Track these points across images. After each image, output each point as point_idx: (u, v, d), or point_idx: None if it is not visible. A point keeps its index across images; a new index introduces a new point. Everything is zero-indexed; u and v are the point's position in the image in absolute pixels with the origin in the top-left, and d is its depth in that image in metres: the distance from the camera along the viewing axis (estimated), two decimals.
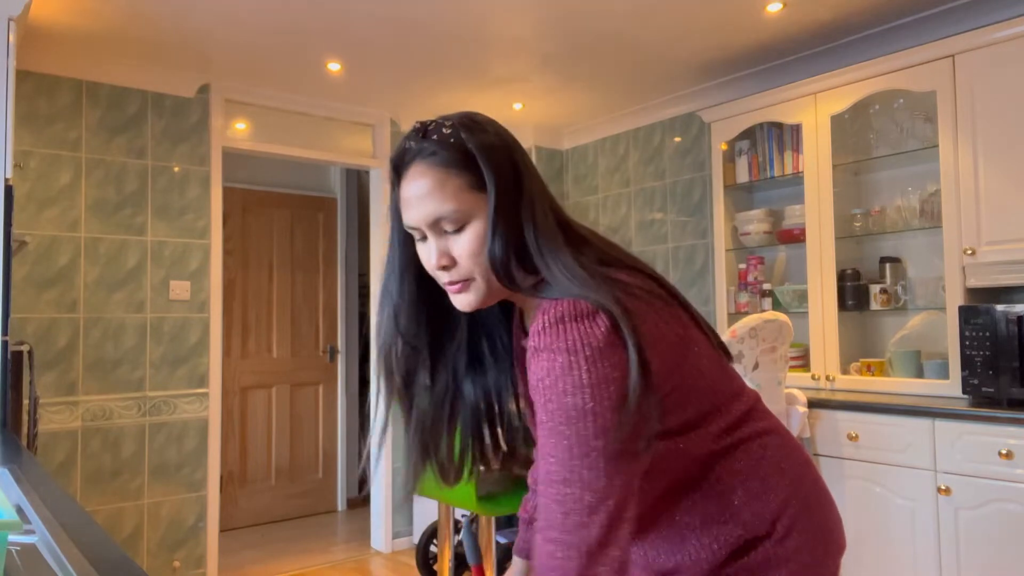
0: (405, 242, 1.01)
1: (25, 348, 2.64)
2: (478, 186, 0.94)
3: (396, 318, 1.01)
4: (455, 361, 1.06)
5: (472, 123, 0.96)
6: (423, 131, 0.96)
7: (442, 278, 0.96)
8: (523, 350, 1.03)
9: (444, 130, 0.95)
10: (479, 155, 0.94)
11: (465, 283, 0.95)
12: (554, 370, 0.85)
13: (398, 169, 0.97)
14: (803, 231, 3.27)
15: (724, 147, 3.60)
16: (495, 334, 1.10)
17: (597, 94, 4.03)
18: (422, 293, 1.02)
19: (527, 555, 1.21)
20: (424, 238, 0.96)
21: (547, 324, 0.87)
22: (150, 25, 3.05)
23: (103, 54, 3.37)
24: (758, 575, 0.97)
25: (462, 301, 0.97)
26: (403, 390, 1.03)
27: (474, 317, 1.08)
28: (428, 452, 1.04)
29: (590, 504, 0.82)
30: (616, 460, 0.83)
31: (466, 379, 1.07)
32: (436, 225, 0.94)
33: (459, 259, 0.94)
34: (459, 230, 0.94)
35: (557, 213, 0.99)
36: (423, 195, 0.93)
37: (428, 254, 0.96)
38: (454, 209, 0.93)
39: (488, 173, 0.94)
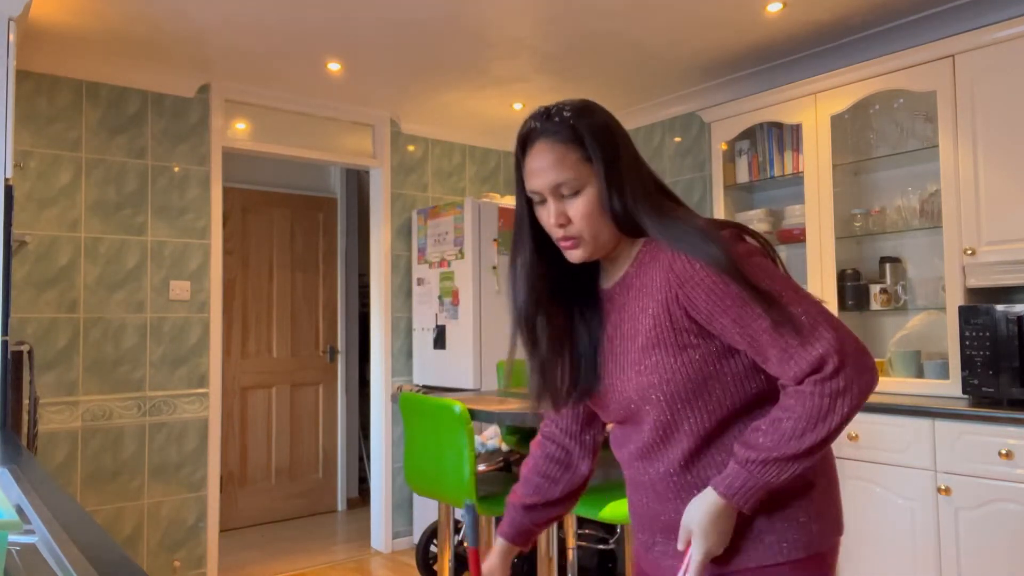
0: (530, 212, 1.22)
1: (25, 348, 2.64)
2: (587, 158, 1.14)
3: (527, 268, 1.22)
4: (567, 310, 1.26)
5: (585, 109, 1.17)
6: (547, 114, 1.17)
7: (558, 234, 1.17)
8: (608, 297, 1.24)
9: (565, 113, 1.16)
10: (586, 135, 1.15)
11: (576, 240, 1.16)
12: (718, 261, 1.07)
13: (524, 145, 1.18)
14: (803, 231, 3.27)
15: (724, 147, 3.60)
16: (589, 290, 1.29)
17: (597, 94, 4.03)
18: (543, 254, 1.23)
19: (511, 538, 1.38)
20: (543, 202, 1.17)
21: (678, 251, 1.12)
22: (150, 25, 3.05)
23: (103, 54, 3.37)
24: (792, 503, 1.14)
25: (574, 255, 1.17)
26: (530, 334, 1.23)
27: (575, 277, 1.26)
28: (546, 385, 1.25)
29: (816, 317, 1.06)
30: (806, 298, 1.09)
31: (574, 326, 1.26)
32: (556, 190, 1.15)
33: (574, 219, 1.15)
34: (575, 195, 1.15)
35: (656, 180, 1.21)
36: (547, 166, 1.15)
37: (548, 215, 1.16)
38: (572, 177, 1.14)
39: (593, 149, 1.14)
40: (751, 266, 1.07)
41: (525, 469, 1.40)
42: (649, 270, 1.16)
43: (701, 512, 1.09)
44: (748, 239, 1.14)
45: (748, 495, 1.06)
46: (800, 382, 1.05)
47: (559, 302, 1.25)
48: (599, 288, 1.27)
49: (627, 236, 1.19)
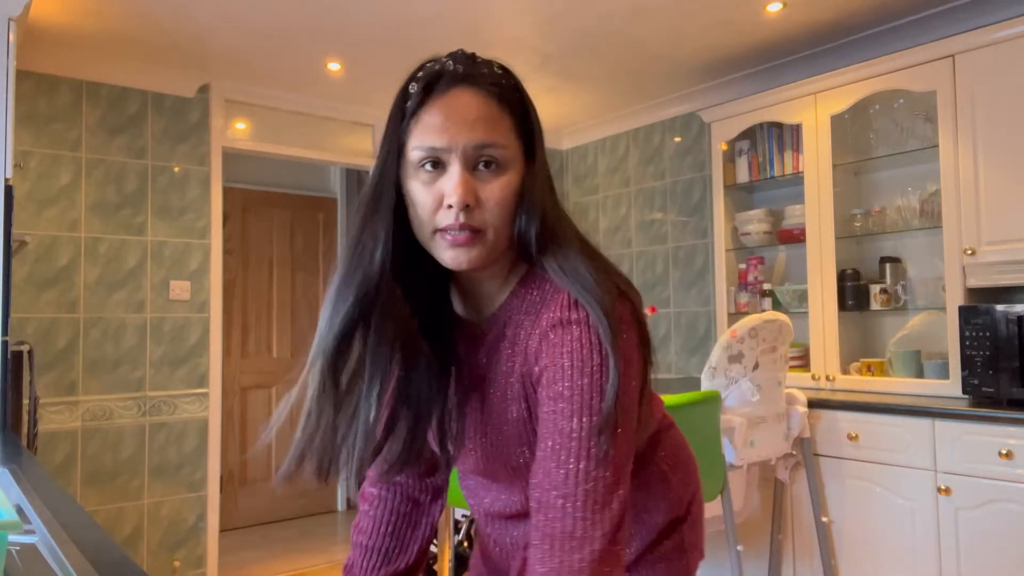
0: (396, 184, 0.86)
1: (25, 348, 2.64)
2: (521, 136, 0.87)
3: (378, 277, 0.84)
4: (411, 347, 0.91)
5: (515, 74, 0.90)
6: (472, 58, 0.87)
7: (451, 219, 0.82)
8: (473, 331, 0.94)
9: (496, 68, 0.88)
10: (530, 107, 0.89)
11: (477, 234, 0.83)
12: (582, 343, 0.80)
13: (430, 87, 0.85)
14: (803, 231, 3.27)
15: (724, 147, 3.60)
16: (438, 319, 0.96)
17: (597, 94, 4.03)
18: (400, 255, 0.87)
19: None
20: (436, 166, 0.84)
21: (574, 300, 0.83)
22: (150, 25, 3.05)
23: (103, 54, 3.37)
24: (671, 559, 1.03)
25: (461, 256, 0.84)
26: (352, 378, 0.87)
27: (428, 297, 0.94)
28: (410, 442, 0.94)
29: (611, 484, 0.78)
30: (630, 440, 0.82)
31: (414, 372, 0.92)
32: (474, 155, 0.83)
33: (486, 202, 0.83)
34: (494, 172, 0.84)
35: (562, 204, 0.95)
36: (473, 119, 0.83)
37: (450, 185, 0.82)
38: (502, 144, 0.84)
39: (537, 127, 0.88)
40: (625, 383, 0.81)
41: (361, 536, 1.07)
42: (531, 314, 0.89)
43: None
44: (638, 323, 0.87)
45: None
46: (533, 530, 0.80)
47: (421, 322, 0.91)
48: (454, 315, 0.97)
49: (511, 255, 0.90)
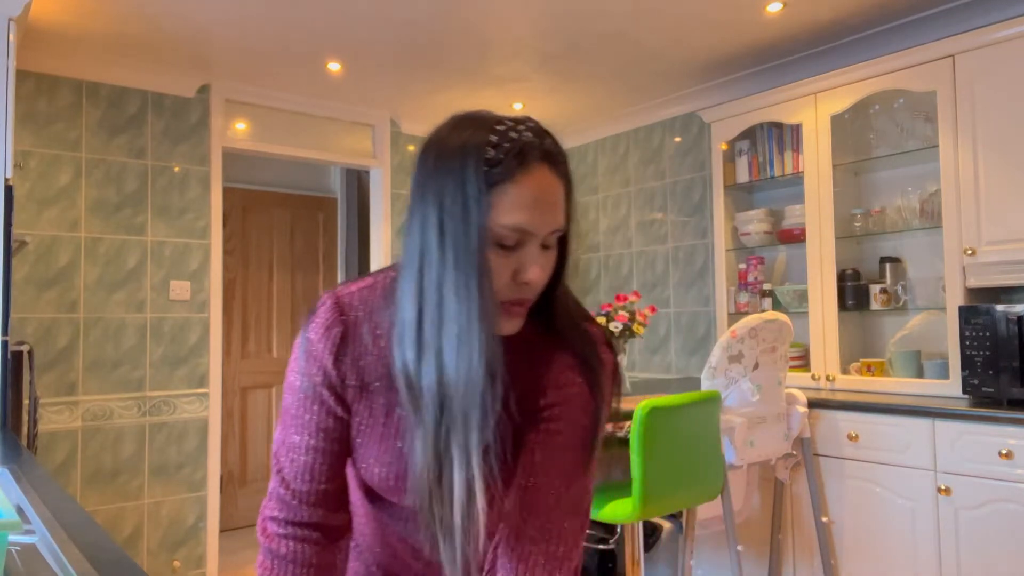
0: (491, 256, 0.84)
1: (25, 348, 2.64)
2: (567, 215, 0.90)
3: (489, 350, 0.83)
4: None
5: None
6: (546, 132, 0.87)
7: (520, 295, 0.86)
8: None
9: (559, 143, 0.88)
10: (573, 182, 0.90)
11: (527, 305, 0.88)
12: (611, 375, 0.96)
13: (523, 158, 0.83)
14: (803, 231, 3.27)
15: (724, 147, 3.60)
16: None
17: (597, 94, 4.03)
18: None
19: None
20: (516, 247, 0.84)
21: (612, 355, 0.96)
22: (150, 25, 3.05)
23: (103, 54, 3.37)
24: None
25: (515, 324, 0.88)
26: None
27: None
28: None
29: (588, 509, 0.95)
30: None
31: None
32: (549, 237, 0.85)
33: (542, 280, 0.86)
34: (551, 249, 0.88)
35: None
36: (556, 202, 0.85)
37: (533, 268, 0.84)
38: (565, 229, 0.87)
39: (572, 202, 0.89)
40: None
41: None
42: (522, 366, 0.93)
43: None
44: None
45: None
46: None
47: None
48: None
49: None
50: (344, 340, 0.92)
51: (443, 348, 0.83)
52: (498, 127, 0.84)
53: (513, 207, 0.82)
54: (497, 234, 0.83)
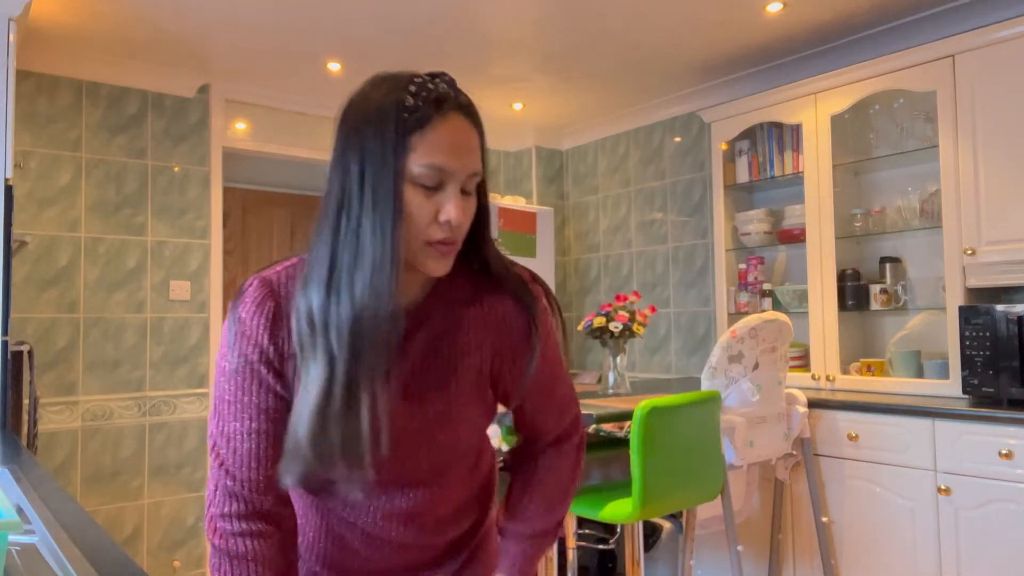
0: (406, 194, 0.89)
1: (25, 348, 2.64)
2: (483, 160, 0.97)
3: (393, 265, 0.88)
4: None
5: None
6: (454, 84, 0.93)
7: (443, 235, 0.91)
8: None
9: (464, 94, 0.94)
10: (483, 131, 0.96)
11: (454, 247, 0.93)
12: (549, 315, 1.08)
13: (439, 105, 0.89)
14: (803, 231, 3.27)
15: (724, 147, 3.60)
16: None
17: (597, 94, 4.03)
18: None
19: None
20: (436, 188, 0.90)
21: (541, 288, 1.07)
22: (150, 25, 3.05)
23: (103, 54, 3.37)
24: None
25: (445, 265, 0.93)
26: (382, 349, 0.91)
27: None
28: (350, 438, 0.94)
29: (573, 390, 1.16)
30: None
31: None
32: (467, 181, 0.92)
33: (464, 223, 0.93)
34: (470, 196, 0.94)
35: None
36: (472, 147, 0.92)
37: (451, 207, 0.90)
38: (480, 174, 0.94)
39: (487, 152, 0.97)
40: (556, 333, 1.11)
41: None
42: (466, 309, 1.01)
43: None
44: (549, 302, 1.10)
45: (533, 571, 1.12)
46: (563, 437, 1.13)
47: None
48: None
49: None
50: (277, 315, 0.93)
51: (355, 288, 0.87)
52: (415, 79, 0.91)
53: (431, 149, 0.88)
54: (417, 175, 0.88)
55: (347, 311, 0.87)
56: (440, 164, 0.88)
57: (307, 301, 0.89)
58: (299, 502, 1.05)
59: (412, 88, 0.89)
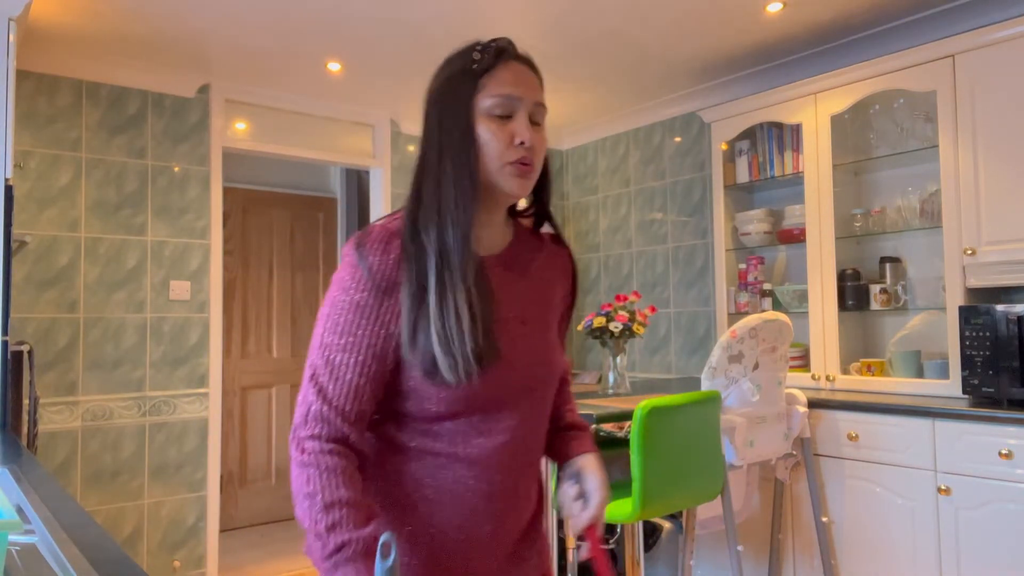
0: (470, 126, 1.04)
1: (25, 348, 2.64)
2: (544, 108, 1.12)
3: (469, 193, 1.03)
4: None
5: None
6: (513, 43, 1.09)
7: (520, 155, 1.04)
8: (492, 263, 1.13)
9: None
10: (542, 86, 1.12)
11: (533, 167, 1.06)
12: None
13: (500, 54, 1.05)
14: (803, 231, 3.27)
15: (724, 147, 3.60)
16: None
17: (597, 94, 4.03)
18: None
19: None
20: (507, 117, 1.04)
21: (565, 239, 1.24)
22: (150, 25, 3.05)
23: (103, 54, 3.37)
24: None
25: (526, 185, 1.06)
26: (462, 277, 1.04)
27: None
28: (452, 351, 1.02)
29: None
30: None
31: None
32: (534, 111, 1.06)
33: (537, 147, 1.06)
34: (540, 129, 1.08)
35: None
36: (533, 84, 1.07)
37: (522, 128, 1.04)
38: (546, 110, 1.09)
39: (544, 101, 1.11)
40: None
41: (346, 492, 0.96)
42: (541, 251, 1.19)
43: (602, 473, 1.17)
44: None
45: None
46: (565, 379, 1.31)
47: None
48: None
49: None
50: (398, 255, 1.02)
51: (442, 210, 1.02)
52: (479, 44, 1.07)
53: (498, 84, 1.04)
54: (489, 107, 1.03)
55: (434, 231, 1.01)
56: (507, 92, 1.03)
57: (416, 230, 1.02)
58: (427, 464, 1.05)
59: (477, 47, 1.06)
